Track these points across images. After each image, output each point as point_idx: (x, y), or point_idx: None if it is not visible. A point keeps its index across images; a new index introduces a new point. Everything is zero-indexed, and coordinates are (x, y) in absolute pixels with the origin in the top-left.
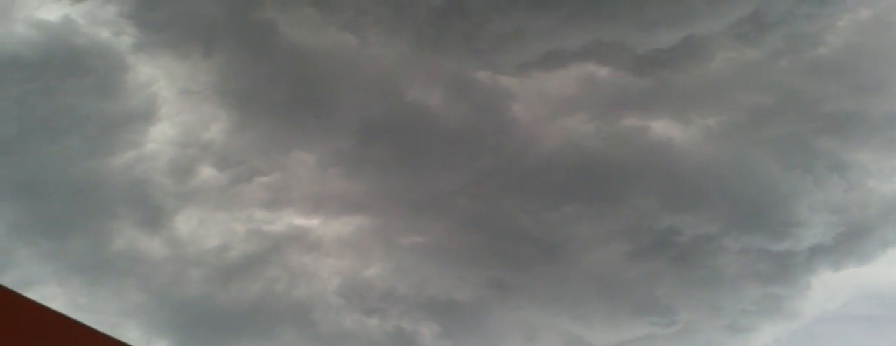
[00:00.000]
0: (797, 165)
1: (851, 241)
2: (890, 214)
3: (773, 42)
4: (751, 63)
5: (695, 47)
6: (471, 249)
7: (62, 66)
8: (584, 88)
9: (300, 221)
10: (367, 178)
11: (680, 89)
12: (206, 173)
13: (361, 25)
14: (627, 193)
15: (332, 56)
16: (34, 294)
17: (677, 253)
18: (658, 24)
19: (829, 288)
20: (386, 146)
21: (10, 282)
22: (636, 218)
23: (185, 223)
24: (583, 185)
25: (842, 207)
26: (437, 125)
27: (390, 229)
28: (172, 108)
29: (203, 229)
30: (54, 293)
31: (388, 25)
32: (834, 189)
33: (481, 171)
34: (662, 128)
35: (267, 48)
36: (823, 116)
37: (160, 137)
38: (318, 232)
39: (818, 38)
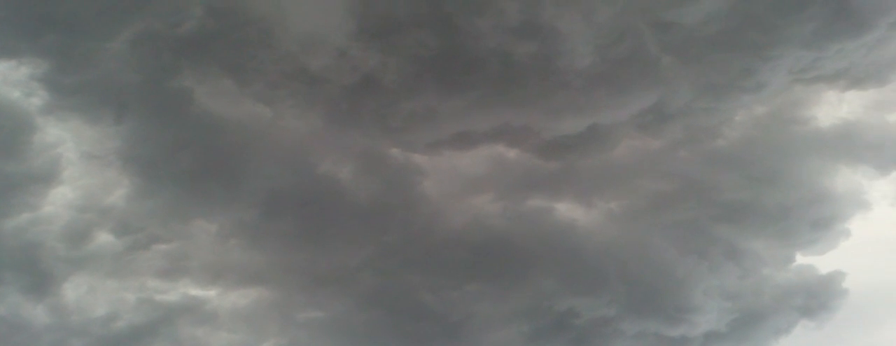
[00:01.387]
0: (694, 251)
1: (745, 328)
2: (783, 302)
3: (674, 132)
4: (652, 151)
5: (600, 135)
6: (370, 325)
7: None
8: (493, 169)
9: (196, 291)
10: (270, 250)
11: (584, 174)
12: (103, 238)
13: (276, 98)
14: (530, 273)
15: (244, 127)
16: None
17: (575, 335)
18: (565, 112)
19: None
20: (291, 219)
21: None
22: (537, 298)
23: (74, 290)
24: (487, 263)
25: (736, 294)
26: (346, 199)
27: (289, 303)
28: (76, 171)
29: (91, 296)
30: None
31: (303, 99)
32: (729, 276)
33: (387, 246)
34: (566, 210)
35: (180, 116)
36: (720, 204)
37: (59, 201)
38: (213, 304)
39: (716, 130)
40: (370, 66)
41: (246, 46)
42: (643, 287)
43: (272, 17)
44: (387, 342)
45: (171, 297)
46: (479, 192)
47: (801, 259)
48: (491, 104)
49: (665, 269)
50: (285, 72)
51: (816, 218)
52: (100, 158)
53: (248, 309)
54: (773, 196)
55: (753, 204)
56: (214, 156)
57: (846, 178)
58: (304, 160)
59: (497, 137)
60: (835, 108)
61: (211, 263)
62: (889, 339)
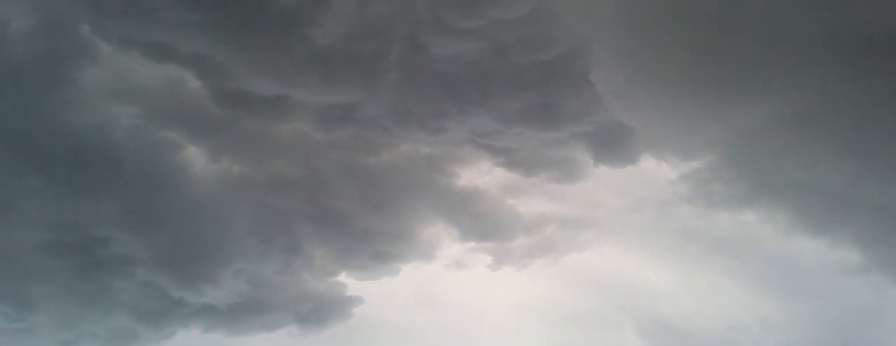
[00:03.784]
0: (263, 235)
1: (239, 313)
2: (290, 304)
3: (342, 134)
4: (313, 140)
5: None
6: None
7: None
8: None
9: None
10: None
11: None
12: None
13: None
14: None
15: None
16: None
17: (89, 261)
18: None
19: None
20: None
21: None
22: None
23: None
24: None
25: (261, 283)
26: None
27: None
28: None
29: None
30: None
31: None
32: (269, 267)
33: None
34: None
35: None
36: (323, 206)
37: None
38: None
39: (377, 150)
40: None
41: None
42: (186, 248)
43: None
44: None
45: None
46: None
47: (343, 278)
48: None
49: (222, 239)
50: None
51: (380, 251)
52: None
53: None
54: (368, 219)
55: (351, 218)
56: None
57: (433, 232)
58: None
59: None
60: (478, 175)
61: None
62: None
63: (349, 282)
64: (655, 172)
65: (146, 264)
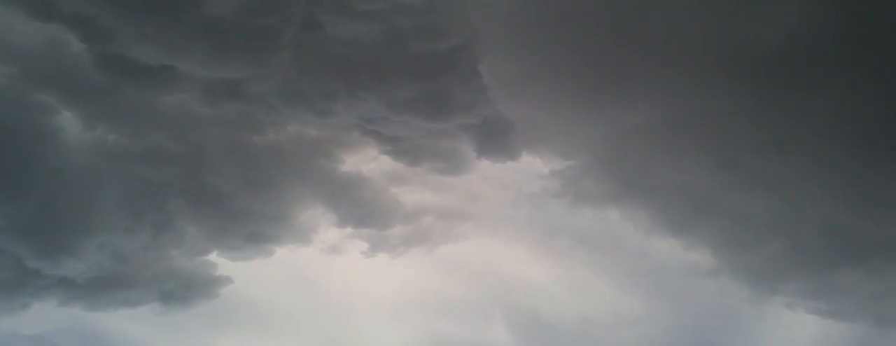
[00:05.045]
0: (137, 210)
1: (98, 287)
2: (153, 281)
3: (229, 110)
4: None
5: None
6: None
7: None
8: None
9: None
10: None
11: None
12: None
13: None
14: None
15: None
16: None
17: None
18: None
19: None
20: None
21: None
22: None
23: None
24: None
25: (125, 258)
26: None
27: None
28: None
29: None
30: None
31: None
32: (137, 242)
33: None
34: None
35: None
36: (203, 184)
37: None
38: None
39: (265, 129)
40: None
41: None
42: (48, 217)
43: None
44: None
45: None
46: None
47: (214, 257)
48: None
49: (87, 210)
50: None
51: (255, 232)
52: None
53: None
54: (245, 199)
55: (228, 196)
56: None
57: (312, 215)
58: None
59: None
60: (363, 161)
61: None
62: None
63: (220, 262)
64: (535, 168)
65: (2, 232)
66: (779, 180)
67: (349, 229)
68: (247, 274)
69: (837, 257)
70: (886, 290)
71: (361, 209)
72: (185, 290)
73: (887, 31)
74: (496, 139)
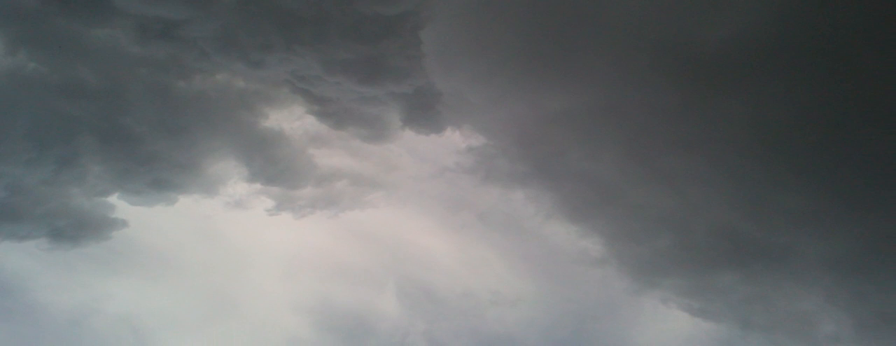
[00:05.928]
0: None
1: None
2: (45, 217)
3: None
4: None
5: None
6: None
7: None
8: None
9: None
10: None
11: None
12: None
13: None
14: None
15: None
16: None
17: None
18: None
19: None
20: None
21: None
22: None
23: None
24: None
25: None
26: None
27: None
28: None
29: None
30: None
31: None
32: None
33: None
34: None
35: None
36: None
37: None
38: None
39: (190, 75)
40: None
41: None
42: None
43: None
44: None
45: None
46: None
47: (114, 199)
48: None
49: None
50: None
51: (161, 178)
52: None
53: None
54: (158, 143)
55: (140, 139)
56: None
57: (222, 167)
58: None
59: None
60: (287, 119)
61: None
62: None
63: (120, 205)
64: (454, 143)
65: None
66: (680, 178)
67: (258, 186)
68: (145, 220)
69: (719, 258)
70: (757, 294)
71: (275, 167)
72: (77, 229)
73: (813, 46)
74: (424, 111)
